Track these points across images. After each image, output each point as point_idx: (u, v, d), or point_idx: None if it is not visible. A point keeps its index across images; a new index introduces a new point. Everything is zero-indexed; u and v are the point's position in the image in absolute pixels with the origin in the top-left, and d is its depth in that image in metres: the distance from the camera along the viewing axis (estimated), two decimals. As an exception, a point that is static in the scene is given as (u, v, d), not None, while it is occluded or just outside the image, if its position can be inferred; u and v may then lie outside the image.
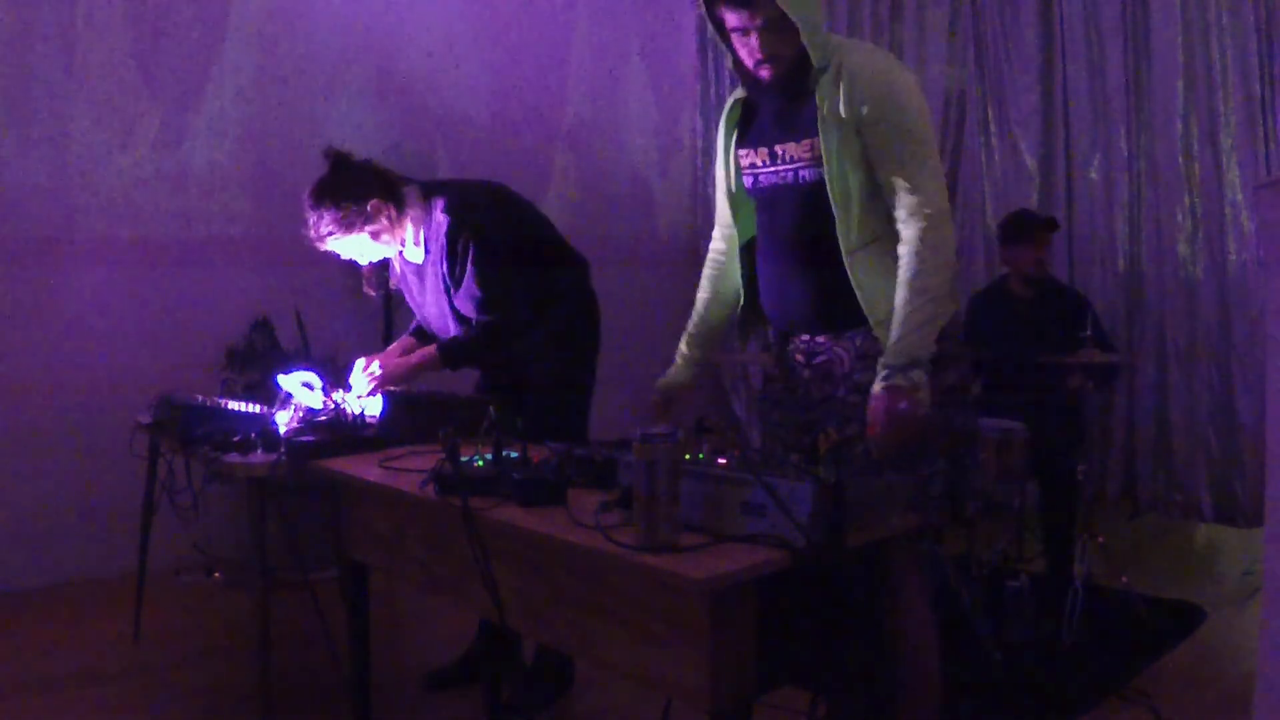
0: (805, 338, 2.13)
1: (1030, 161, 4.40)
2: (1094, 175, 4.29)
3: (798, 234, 2.04)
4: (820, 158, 1.93)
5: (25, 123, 3.81)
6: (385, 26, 4.63)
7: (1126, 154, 4.17)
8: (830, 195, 1.93)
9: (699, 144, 5.72)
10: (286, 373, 2.60)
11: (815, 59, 1.91)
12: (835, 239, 1.95)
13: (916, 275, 1.88)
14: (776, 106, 2.02)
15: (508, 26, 5.03)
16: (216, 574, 3.94)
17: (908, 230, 1.91)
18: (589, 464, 1.88)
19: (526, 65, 5.09)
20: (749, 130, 2.10)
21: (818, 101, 1.92)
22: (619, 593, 1.56)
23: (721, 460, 1.63)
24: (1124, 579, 3.34)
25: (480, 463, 1.93)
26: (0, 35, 3.74)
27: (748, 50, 1.95)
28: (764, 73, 1.97)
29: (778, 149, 2.03)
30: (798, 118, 1.97)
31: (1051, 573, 3.38)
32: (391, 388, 2.62)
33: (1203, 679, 2.92)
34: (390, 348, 2.77)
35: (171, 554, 3.80)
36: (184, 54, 4.12)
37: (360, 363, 2.66)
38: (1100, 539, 3.32)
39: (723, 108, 2.18)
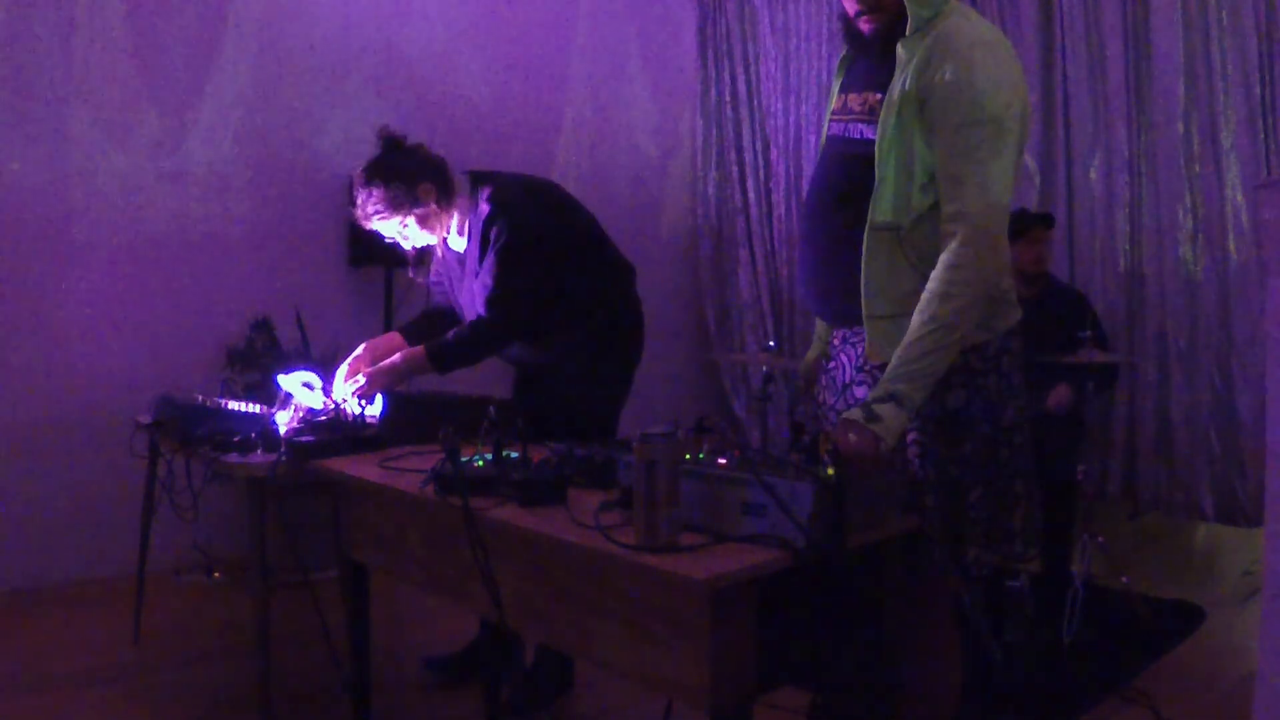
0: (835, 332, 2.02)
1: (1030, 161, 4.39)
2: (1094, 175, 4.29)
3: (828, 195, 1.91)
4: (876, 115, 1.78)
5: (25, 123, 3.81)
6: (385, 27, 4.63)
7: (1126, 154, 4.16)
8: (876, 156, 1.77)
9: (699, 144, 5.73)
10: (286, 373, 2.59)
11: (912, 14, 1.76)
12: (864, 211, 1.79)
13: (932, 298, 1.71)
14: (868, 60, 1.89)
15: (508, 26, 5.03)
16: (216, 574, 3.94)
17: (945, 234, 1.74)
18: (589, 464, 1.88)
19: (527, 65, 5.10)
20: (845, 79, 1.98)
21: (897, 57, 1.77)
22: (619, 593, 1.56)
23: (721, 460, 1.63)
24: (1124, 579, 3.34)
25: (480, 463, 1.93)
26: (0, 35, 3.74)
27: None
28: (864, 25, 1.84)
29: (848, 98, 1.91)
30: (876, 71, 1.84)
31: (1051, 572, 3.38)
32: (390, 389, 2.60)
33: (1203, 679, 2.92)
34: (362, 350, 2.69)
35: (171, 554, 3.80)
36: (184, 54, 4.12)
37: (343, 371, 2.63)
38: (1100, 539, 3.32)
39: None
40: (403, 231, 2.62)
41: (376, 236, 2.66)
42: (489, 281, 2.55)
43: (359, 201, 2.57)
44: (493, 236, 2.55)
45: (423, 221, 2.60)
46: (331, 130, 4.46)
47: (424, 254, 2.81)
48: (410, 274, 2.85)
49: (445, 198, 2.61)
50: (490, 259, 2.55)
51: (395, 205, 2.55)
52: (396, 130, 2.66)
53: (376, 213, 2.56)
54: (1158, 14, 4.04)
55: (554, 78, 5.22)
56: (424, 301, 3.00)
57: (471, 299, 2.68)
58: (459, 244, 2.69)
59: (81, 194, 3.94)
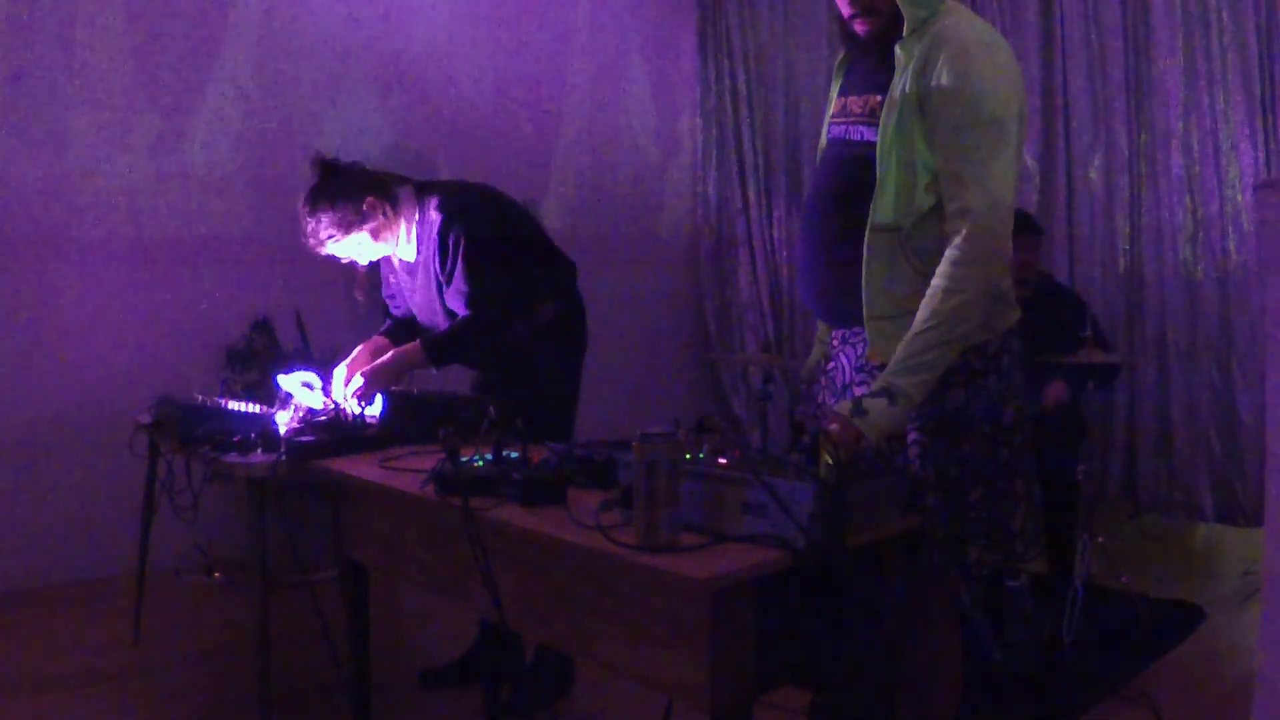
0: (834, 332, 2.03)
1: (1030, 161, 4.39)
2: (1094, 175, 4.29)
3: (828, 197, 1.92)
4: (876, 117, 1.79)
5: (25, 123, 3.80)
6: (385, 27, 4.63)
7: (1126, 154, 4.17)
8: (877, 157, 1.77)
9: (699, 144, 5.73)
10: (286, 373, 2.59)
11: (908, 15, 1.76)
12: (865, 213, 1.79)
13: (935, 293, 1.72)
14: (865, 62, 1.89)
15: (508, 26, 5.03)
16: (216, 574, 3.94)
17: (949, 232, 1.74)
18: (589, 464, 1.88)
19: (527, 65, 5.09)
20: (843, 83, 1.99)
21: (895, 59, 1.77)
22: (619, 593, 1.56)
23: (721, 460, 1.63)
24: (1124, 579, 3.34)
25: (480, 463, 1.93)
26: (0, 35, 3.74)
27: (845, 1, 1.84)
28: (859, 27, 1.84)
29: (848, 101, 1.91)
30: (875, 73, 1.84)
31: (1051, 573, 3.38)
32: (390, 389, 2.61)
33: (1203, 679, 2.92)
34: (358, 352, 2.74)
35: (171, 554, 3.80)
36: (184, 54, 4.12)
37: (340, 373, 2.65)
38: (1100, 539, 3.32)
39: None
40: (359, 250, 2.68)
41: (333, 257, 2.70)
42: (465, 287, 2.60)
43: (309, 230, 2.62)
44: (451, 244, 2.61)
45: (376, 235, 2.66)
46: (331, 130, 4.45)
47: (371, 272, 2.86)
48: (355, 294, 2.89)
49: (390, 208, 2.66)
50: (459, 266, 2.60)
51: (346, 225, 2.61)
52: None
53: (330, 237, 2.62)
54: (1158, 14, 4.04)
55: (554, 78, 5.21)
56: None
57: (430, 306, 2.73)
58: (408, 253, 2.74)
59: (82, 194, 3.94)
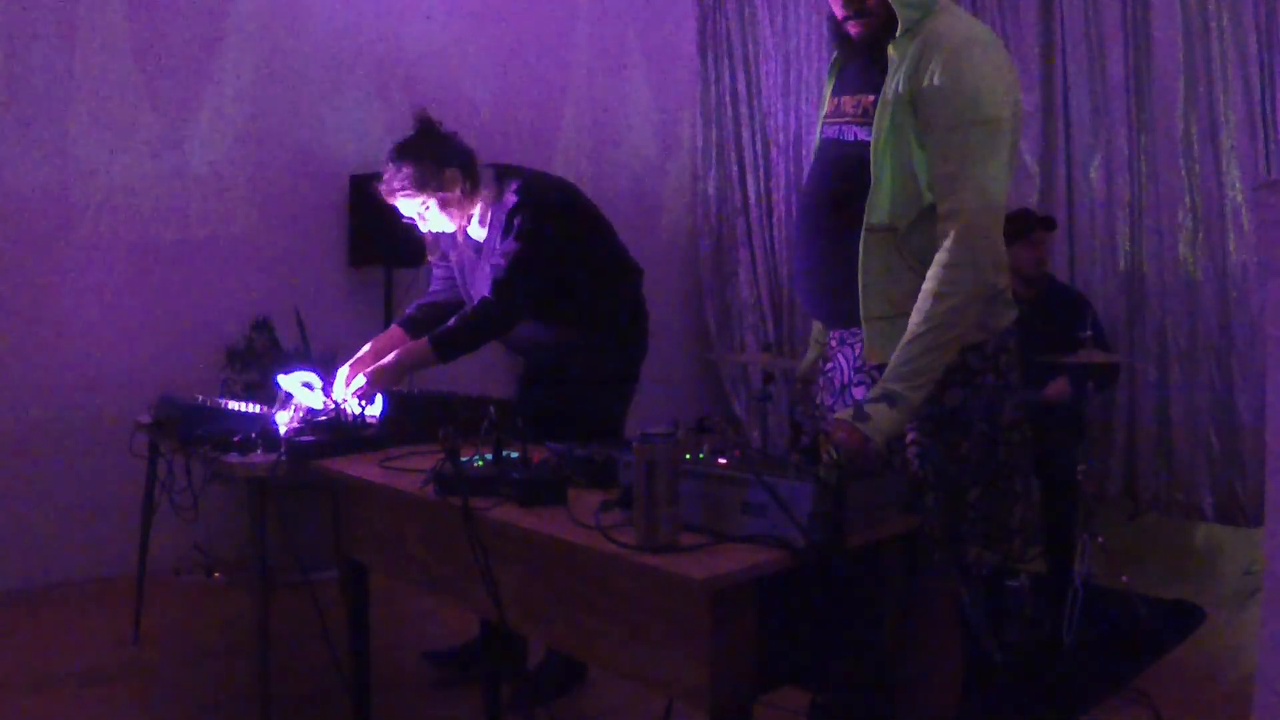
0: (831, 333, 2.03)
1: (1030, 161, 4.39)
2: (1094, 175, 4.29)
3: (822, 197, 1.92)
4: (869, 116, 1.79)
5: (25, 123, 3.80)
6: (385, 27, 4.63)
7: (1126, 154, 4.17)
8: (871, 157, 1.78)
9: (699, 144, 5.73)
10: (286, 373, 2.59)
11: (901, 16, 1.76)
12: (860, 212, 1.79)
13: (927, 296, 1.71)
14: (858, 63, 1.90)
15: (508, 27, 5.03)
16: (216, 574, 3.94)
17: (940, 233, 1.74)
18: (589, 464, 1.88)
19: (527, 65, 5.10)
20: (836, 83, 1.99)
21: (889, 58, 1.78)
22: (619, 593, 1.56)
23: (721, 460, 1.63)
24: (1124, 579, 3.34)
25: (480, 463, 1.93)
26: (0, 35, 3.74)
27: (839, 2, 1.84)
28: (852, 28, 1.84)
29: (841, 101, 1.92)
30: (868, 73, 1.85)
31: (1051, 573, 3.38)
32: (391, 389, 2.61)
33: (1203, 679, 2.92)
34: (364, 351, 2.72)
35: (171, 554, 3.80)
36: (184, 54, 4.12)
37: (343, 372, 2.64)
38: (1100, 539, 3.32)
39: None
40: (422, 212, 2.68)
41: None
42: (500, 263, 2.60)
43: (386, 176, 2.64)
44: (516, 224, 2.61)
45: (443, 205, 2.66)
46: (331, 130, 4.45)
47: (438, 241, 2.85)
48: (429, 256, 2.90)
49: (470, 187, 2.66)
50: (509, 243, 2.60)
51: (420, 184, 2.61)
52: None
53: (401, 189, 2.62)
54: (1158, 14, 4.04)
55: (554, 78, 5.22)
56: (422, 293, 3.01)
57: (483, 286, 2.71)
58: (479, 233, 2.75)
59: (82, 195, 3.94)
